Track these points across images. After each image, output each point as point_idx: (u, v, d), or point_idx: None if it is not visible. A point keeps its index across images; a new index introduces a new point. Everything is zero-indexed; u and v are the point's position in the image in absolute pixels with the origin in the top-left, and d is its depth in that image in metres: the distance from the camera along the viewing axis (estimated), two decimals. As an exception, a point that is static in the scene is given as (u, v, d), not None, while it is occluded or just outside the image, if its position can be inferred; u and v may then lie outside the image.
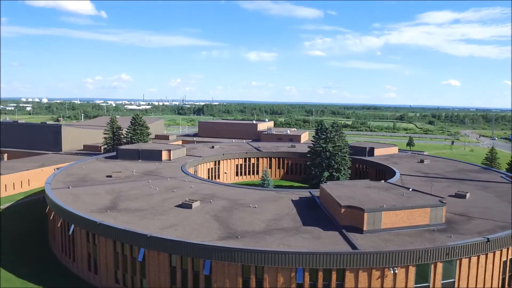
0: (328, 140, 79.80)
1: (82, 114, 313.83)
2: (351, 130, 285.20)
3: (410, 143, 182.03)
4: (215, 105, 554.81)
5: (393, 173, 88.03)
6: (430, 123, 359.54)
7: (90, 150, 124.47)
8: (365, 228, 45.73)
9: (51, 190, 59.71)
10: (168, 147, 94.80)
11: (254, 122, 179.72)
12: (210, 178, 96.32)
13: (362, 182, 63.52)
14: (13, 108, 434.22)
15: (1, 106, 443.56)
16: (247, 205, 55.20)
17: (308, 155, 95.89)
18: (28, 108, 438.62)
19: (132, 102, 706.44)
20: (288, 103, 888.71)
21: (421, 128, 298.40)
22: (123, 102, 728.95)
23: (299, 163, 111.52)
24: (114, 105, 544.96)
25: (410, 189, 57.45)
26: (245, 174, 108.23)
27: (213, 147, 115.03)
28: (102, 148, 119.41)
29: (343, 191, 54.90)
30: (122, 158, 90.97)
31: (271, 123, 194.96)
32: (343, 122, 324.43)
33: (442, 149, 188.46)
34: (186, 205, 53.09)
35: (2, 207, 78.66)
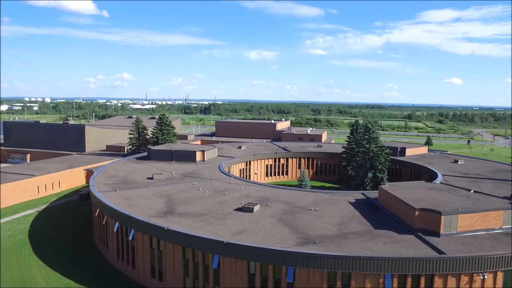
0: (371, 140, 78.04)
1: (93, 114, 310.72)
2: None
3: (428, 143, 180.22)
4: (221, 104, 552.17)
5: (430, 173, 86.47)
6: (439, 122, 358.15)
7: (113, 151, 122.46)
8: (441, 232, 44.09)
9: (101, 194, 57.81)
10: (201, 148, 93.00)
11: (273, 121, 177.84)
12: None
13: (418, 183, 61.85)
14: (20, 108, 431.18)
15: (8, 106, 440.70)
16: (307, 208, 53.45)
17: (344, 155, 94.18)
18: (35, 108, 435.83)
19: (136, 102, 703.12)
20: (290, 102, 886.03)
21: (433, 127, 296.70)
22: (127, 101, 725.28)
23: (328, 163, 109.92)
24: (119, 104, 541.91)
25: (472, 191, 55.89)
26: (275, 175, 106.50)
27: (240, 147, 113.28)
28: (127, 148, 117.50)
29: (406, 193, 53.19)
30: (154, 159, 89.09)
31: (288, 123, 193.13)
32: (353, 121, 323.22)
33: (459, 148, 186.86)
34: (247, 209, 51.29)
35: (38, 208, 76.81)
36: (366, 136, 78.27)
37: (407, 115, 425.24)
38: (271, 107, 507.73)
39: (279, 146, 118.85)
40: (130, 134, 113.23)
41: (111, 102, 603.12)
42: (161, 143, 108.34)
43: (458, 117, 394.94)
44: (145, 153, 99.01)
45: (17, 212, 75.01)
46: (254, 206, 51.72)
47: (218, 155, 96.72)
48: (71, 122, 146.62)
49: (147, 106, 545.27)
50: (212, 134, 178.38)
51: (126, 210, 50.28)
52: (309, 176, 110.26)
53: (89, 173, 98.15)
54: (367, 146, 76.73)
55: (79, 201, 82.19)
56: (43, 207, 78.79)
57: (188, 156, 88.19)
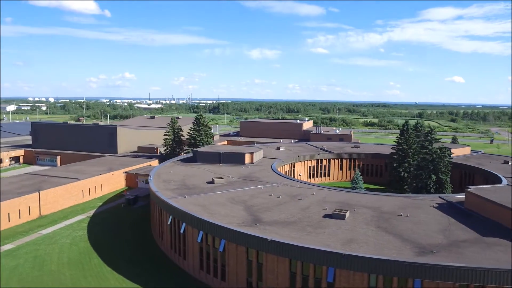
0: (433, 141, 75.32)
1: (107, 114, 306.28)
2: (380, 128, 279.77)
3: (454, 142, 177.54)
4: (230, 103, 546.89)
5: (486, 175, 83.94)
6: (452, 121, 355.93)
7: (145, 152, 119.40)
8: (559, 240, 41.39)
9: (173, 201, 54.91)
10: (249, 150, 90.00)
11: (298, 121, 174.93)
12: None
13: (502, 187, 58.99)
14: (29, 108, 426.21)
15: (16, 106, 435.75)
16: (397, 214, 50.64)
17: (395, 156, 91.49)
18: (43, 108, 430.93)
19: (141, 101, 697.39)
20: (292, 101, 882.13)
21: (449, 126, 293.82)
22: (130, 101, 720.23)
23: (371, 164, 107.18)
24: (125, 104, 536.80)
25: None
26: (317, 176, 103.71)
27: (279, 148, 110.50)
28: (162, 150, 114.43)
29: (500, 198, 50.41)
30: (200, 161, 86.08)
31: (311, 122, 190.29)
32: (368, 120, 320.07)
33: (484, 147, 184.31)
34: (338, 216, 48.43)
35: (88, 214, 73.64)
36: (429, 137, 75.52)
37: (418, 114, 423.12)
38: (280, 106, 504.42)
39: (316, 147, 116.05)
40: (165, 135, 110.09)
41: (116, 102, 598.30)
42: (199, 144, 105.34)
43: (469, 116, 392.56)
44: (185, 155, 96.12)
45: (68, 218, 71.95)
46: (345, 212, 48.88)
47: (263, 157, 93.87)
48: (101, 123, 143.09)
49: (156, 106, 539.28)
50: (235, 134, 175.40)
51: (210, 218, 47.46)
52: (350, 177, 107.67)
53: (128, 176, 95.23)
54: (430, 147, 73.99)
55: (127, 206, 79.17)
56: (91, 212, 75.70)
57: (237, 158, 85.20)
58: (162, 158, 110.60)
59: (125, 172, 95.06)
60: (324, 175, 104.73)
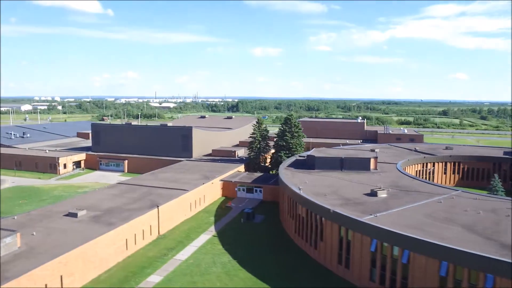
0: None
1: (139, 113, 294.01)
2: (418, 127, 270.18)
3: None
4: (249, 102, 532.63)
5: None
6: (483, 118, 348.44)
7: (221, 155, 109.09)
8: None
9: (369, 221, 45.25)
10: (373, 154, 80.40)
11: (359, 121, 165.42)
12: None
13: None
14: (46, 108, 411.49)
15: (32, 106, 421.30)
16: None
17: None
18: (60, 108, 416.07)
19: (150, 100, 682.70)
20: (296, 99, 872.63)
21: (489, 125, 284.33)
22: (136, 99, 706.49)
23: (476, 167, 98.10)
24: (144, 103, 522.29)
25: None
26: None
27: (373, 150, 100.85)
28: (247, 153, 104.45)
29: None
30: (320, 168, 76.41)
31: (364, 122, 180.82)
32: (403, 119, 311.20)
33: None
34: None
35: (210, 232, 63.47)
36: None
37: (442, 111, 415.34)
38: (300, 104, 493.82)
39: (408, 149, 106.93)
40: (251, 137, 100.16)
41: (131, 101, 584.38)
42: (292, 148, 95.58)
43: (495, 113, 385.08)
44: (293, 159, 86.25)
45: (192, 238, 61.71)
46: None
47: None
48: (169, 124, 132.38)
49: (170, 105, 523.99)
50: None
51: (456, 245, 37.84)
52: (454, 181, 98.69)
53: (226, 184, 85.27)
54: None
55: (246, 221, 69.11)
56: (211, 229, 65.45)
57: (361, 164, 75.67)
58: (246, 163, 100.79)
59: (222, 180, 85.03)
60: (428, 179, 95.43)
